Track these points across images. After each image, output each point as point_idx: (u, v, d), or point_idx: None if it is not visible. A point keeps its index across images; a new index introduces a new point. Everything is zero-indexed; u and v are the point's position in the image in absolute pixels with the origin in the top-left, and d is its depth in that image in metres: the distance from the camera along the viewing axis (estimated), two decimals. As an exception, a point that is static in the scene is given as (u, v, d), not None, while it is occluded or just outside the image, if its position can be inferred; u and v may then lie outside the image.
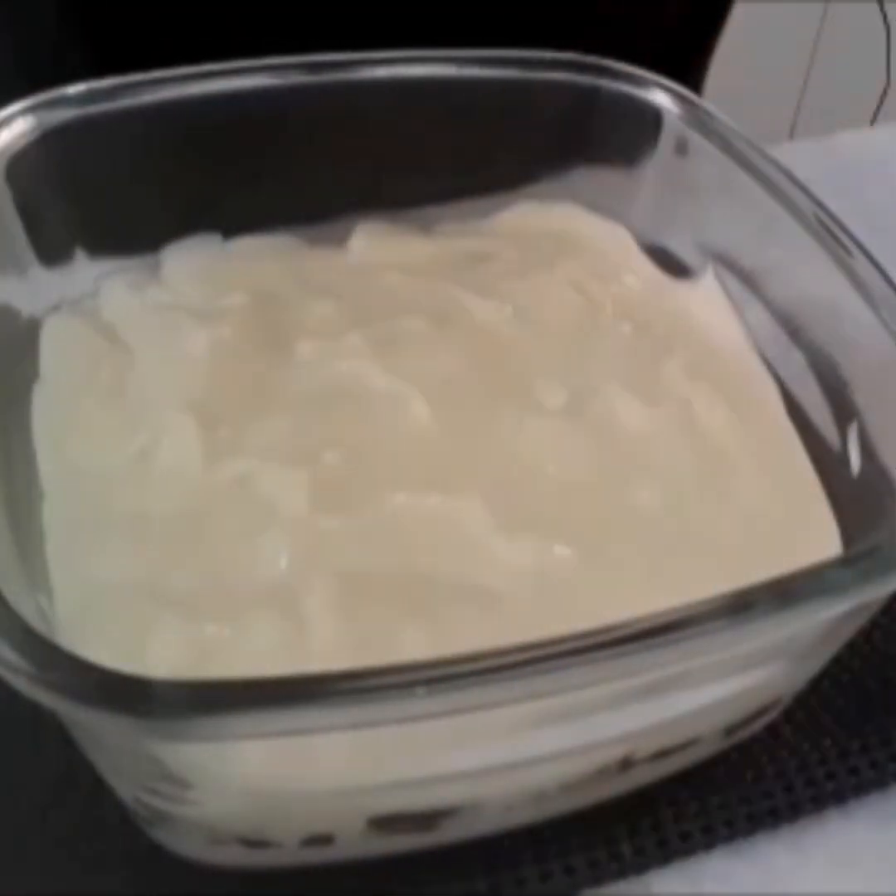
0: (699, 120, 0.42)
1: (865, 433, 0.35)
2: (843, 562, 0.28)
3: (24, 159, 0.37)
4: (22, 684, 0.23)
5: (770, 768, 0.35)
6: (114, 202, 0.39)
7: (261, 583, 0.31)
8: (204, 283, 0.40)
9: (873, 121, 1.35)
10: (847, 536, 0.34)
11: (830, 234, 0.36)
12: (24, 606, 0.25)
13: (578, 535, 0.33)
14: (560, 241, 0.44)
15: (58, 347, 0.37)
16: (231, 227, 0.41)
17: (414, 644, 0.29)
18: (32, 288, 0.38)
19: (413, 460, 0.35)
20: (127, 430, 0.35)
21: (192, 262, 0.41)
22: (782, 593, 0.26)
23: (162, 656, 0.29)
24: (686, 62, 0.58)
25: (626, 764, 0.31)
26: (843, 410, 0.36)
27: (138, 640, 0.29)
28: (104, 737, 0.27)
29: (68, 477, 0.33)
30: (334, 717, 0.24)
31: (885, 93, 1.38)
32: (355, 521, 0.33)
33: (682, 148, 0.42)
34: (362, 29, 0.43)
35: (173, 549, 0.32)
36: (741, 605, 0.26)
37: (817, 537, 0.34)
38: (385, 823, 0.30)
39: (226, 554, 0.32)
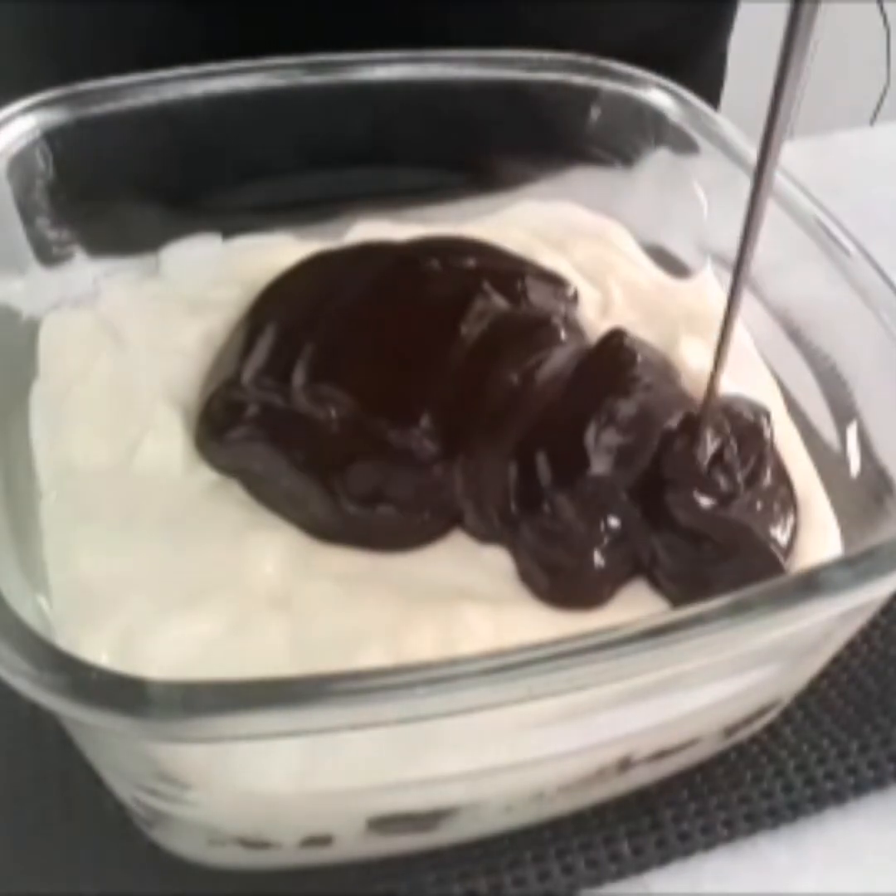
0: (698, 120, 0.42)
1: (865, 433, 0.35)
2: (843, 562, 0.28)
3: (24, 159, 0.37)
4: (21, 684, 0.23)
5: (769, 768, 0.35)
6: (114, 202, 0.39)
7: (256, 581, 0.31)
8: (205, 281, 0.40)
9: (873, 121, 1.35)
10: (847, 536, 0.34)
11: (829, 234, 0.36)
12: (24, 606, 0.25)
13: None
14: (560, 241, 0.44)
15: (56, 346, 0.37)
16: (231, 227, 0.41)
17: (417, 644, 0.29)
18: (32, 288, 0.38)
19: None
20: (118, 427, 0.34)
21: (191, 261, 0.41)
22: (782, 593, 0.26)
23: (158, 656, 0.29)
24: (685, 61, 0.58)
25: (625, 764, 0.31)
26: (843, 410, 0.36)
27: (135, 640, 0.29)
28: (103, 737, 0.27)
29: (65, 475, 0.33)
30: (333, 718, 0.24)
31: (884, 93, 1.38)
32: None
33: (681, 148, 0.42)
34: (362, 29, 0.43)
35: (166, 548, 0.31)
36: (741, 606, 0.26)
37: (817, 537, 0.34)
38: (385, 823, 0.30)
39: (220, 552, 0.31)
